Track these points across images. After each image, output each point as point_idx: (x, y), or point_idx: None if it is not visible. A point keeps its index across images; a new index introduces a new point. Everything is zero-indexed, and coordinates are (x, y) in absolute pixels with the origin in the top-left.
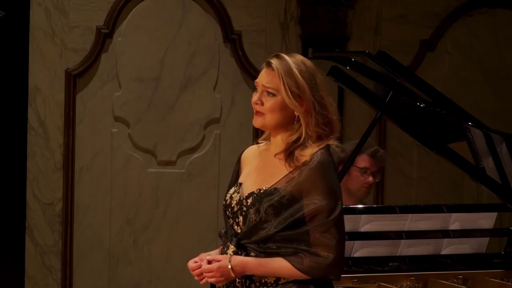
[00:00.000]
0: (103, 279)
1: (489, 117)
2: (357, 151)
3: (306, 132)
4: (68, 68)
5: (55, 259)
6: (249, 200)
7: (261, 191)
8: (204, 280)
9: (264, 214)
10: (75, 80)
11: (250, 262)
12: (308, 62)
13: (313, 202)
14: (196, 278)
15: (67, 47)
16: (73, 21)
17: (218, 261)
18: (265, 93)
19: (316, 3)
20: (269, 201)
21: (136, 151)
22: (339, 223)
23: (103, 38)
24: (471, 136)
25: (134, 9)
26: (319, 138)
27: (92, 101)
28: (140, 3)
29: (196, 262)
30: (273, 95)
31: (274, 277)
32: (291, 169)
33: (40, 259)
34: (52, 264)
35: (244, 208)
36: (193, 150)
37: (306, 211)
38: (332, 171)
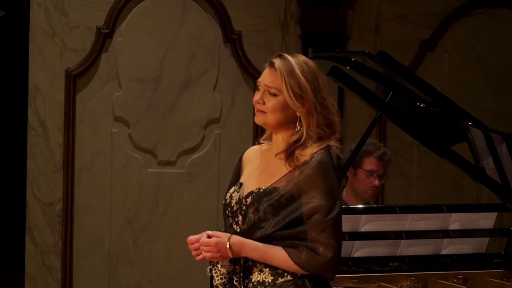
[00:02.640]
0: (103, 279)
1: (489, 117)
2: (357, 151)
3: (307, 133)
4: (68, 68)
5: (55, 259)
6: (249, 200)
7: (261, 191)
8: (200, 256)
9: (262, 214)
10: (75, 80)
11: (249, 244)
12: (310, 62)
13: (312, 201)
14: (193, 253)
15: (67, 47)
16: (73, 21)
17: (218, 237)
18: (267, 92)
19: (316, 3)
20: (268, 200)
21: (136, 151)
22: (337, 223)
23: (103, 38)
24: (471, 136)
25: (134, 9)
26: (320, 139)
27: (92, 101)
28: (140, 3)
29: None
30: (275, 95)
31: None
32: (291, 169)
33: (40, 259)
34: (52, 264)
35: (244, 208)
36: (193, 150)
37: (304, 209)
38: (332, 171)
